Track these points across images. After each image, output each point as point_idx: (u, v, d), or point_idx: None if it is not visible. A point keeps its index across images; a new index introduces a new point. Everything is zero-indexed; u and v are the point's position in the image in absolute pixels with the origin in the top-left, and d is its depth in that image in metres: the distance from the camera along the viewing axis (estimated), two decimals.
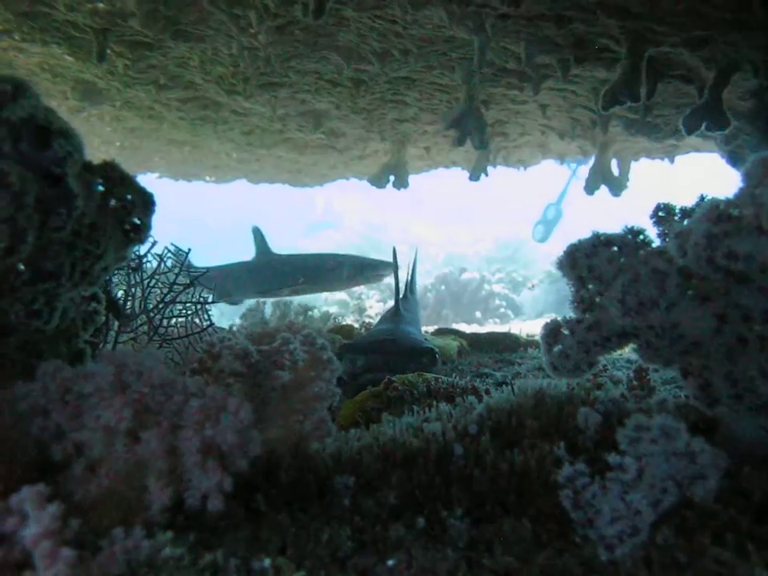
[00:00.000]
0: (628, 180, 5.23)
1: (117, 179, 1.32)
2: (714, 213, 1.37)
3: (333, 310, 8.93)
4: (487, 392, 2.12)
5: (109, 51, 3.51)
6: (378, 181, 5.54)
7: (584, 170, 7.91)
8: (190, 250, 3.73)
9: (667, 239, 1.53)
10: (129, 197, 1.33)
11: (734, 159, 4.16)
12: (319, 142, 5.59)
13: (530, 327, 6.26)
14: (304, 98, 4.46)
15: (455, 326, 6.34)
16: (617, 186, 5.00)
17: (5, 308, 1.27)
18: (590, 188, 4.98)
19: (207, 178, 7.69)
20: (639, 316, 1.37)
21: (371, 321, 5.29)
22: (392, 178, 5.51)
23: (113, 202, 1.31)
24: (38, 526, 0.99)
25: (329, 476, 1.38)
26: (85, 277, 1.31)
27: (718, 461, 1.14)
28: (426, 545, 1.23)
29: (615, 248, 1.44)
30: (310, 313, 4.88)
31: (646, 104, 3.27)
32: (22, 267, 1.24)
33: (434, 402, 1.77)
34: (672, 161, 5.28)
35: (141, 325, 3.48)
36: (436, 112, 4.55)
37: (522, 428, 1.52)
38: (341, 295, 11.00)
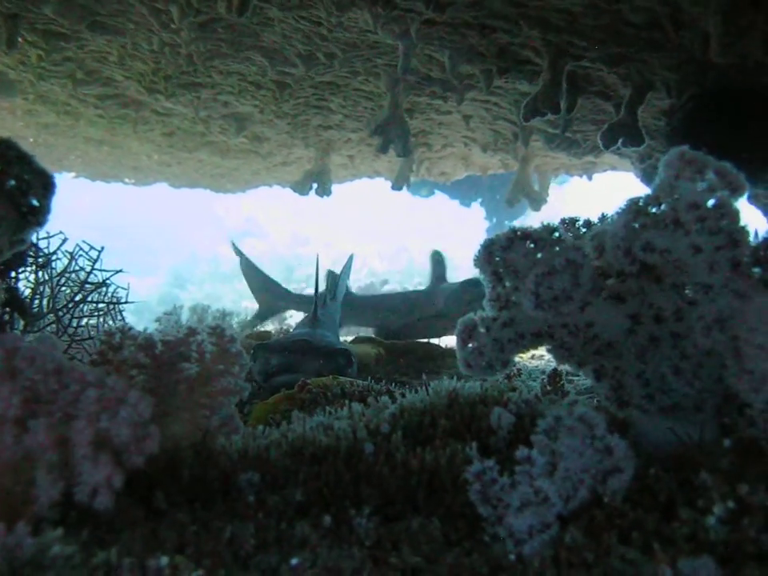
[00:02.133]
0: (547, 195, 5.32)
1: (13, 158, 1.25)
2: (634, 207, 1.38)
3: (241, 318, 8.82)
4: (403, 395, 2.10)
5: (20, 39, 3.38)
6: (301, 187, 5.48)
7: None
8: (102, 248, 3.62)
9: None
10: (26, 177, 1.26)
11: (648, 178, 4.26)
12: (242, 147, 5.52)
13: (448, 340, 6.28)
14: (227, 100, 4.39)
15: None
16: (536, 201, 5.07)
17: None
18: (510, 201, 5.03)
19: (126, 180, 7.50)
20: (552, 309, 1.36)
21: (291, 328, 5.23)
22: (315, 185, 5.46)
23: (9, 183, 1.24)
24: None
25: (234, 473, 1.33)
26: None
27: (632, 455, 1.14)
28: (332, 543, 1.19)
29: (531, 243, 1.43)
30: (227, 318, 4.80)
31: (566, 118, 3.32)
32: None
33: (347, 402, 1.73)
34: (590, 178, 5.39)
35: (49, 324, 3.36)
36: (360, 120, 4.54)
37: (435, 428, 1.50)
38: None
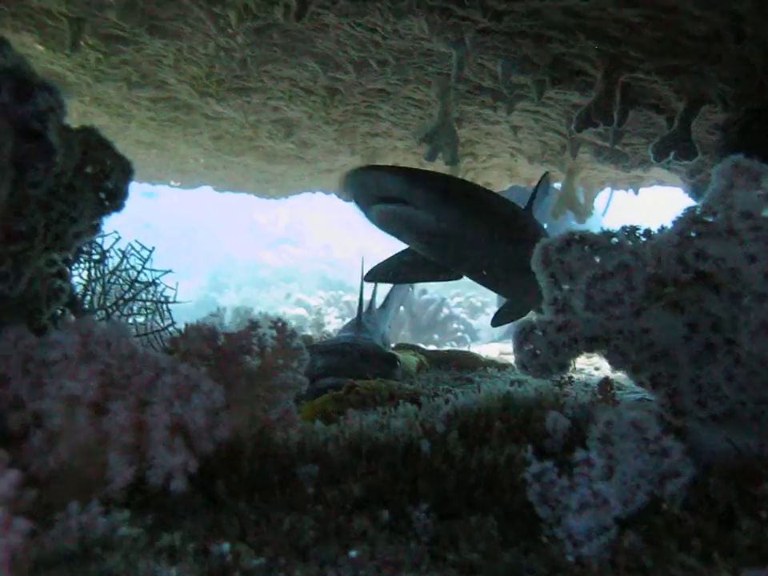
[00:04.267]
0: (593, 207, 5.30)
1: (96, 143, 1.29)
2: (689, 215, 1.39)
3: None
4: (456, 396, 2.11)
5: (82, 43, 3.46)
6: (345, 196, 5.52)
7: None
8: (153, 248, 3.68)
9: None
10: (107, 162, 1.29)
11: (698, 193, 4.23)
12: (288, 152, 5.57)
13: (487, 350, 6.27)
14: (277, 105, 4.44)
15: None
16: (581, 213, 5.06)
17: None
18: (555, 213, 5.03)
19: (172, 183, 7.59)
20: (603, 312, 1.36)
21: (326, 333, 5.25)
22: None
23: (90, 167, 1.28)
24: None
25: (292, 465, 1.35)
26: (57, 240, 1.27)
27: (689, 460, 1.14)
28: (390, 537, 1.21)
29: (588, 247, 1.43)
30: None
31: (616, 130, 3.31)
32: None
33: (398, 403, 1.75)
34: (636, 192, 5.36)
35: (100, 321, 3.42)
36: (408, 128, 4.56)
37: (490, 429, 1.51)
38: (298, 310, 10.96)
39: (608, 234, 1.43)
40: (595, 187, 5.41)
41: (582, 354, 1.48)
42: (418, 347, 4.68)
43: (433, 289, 10.62)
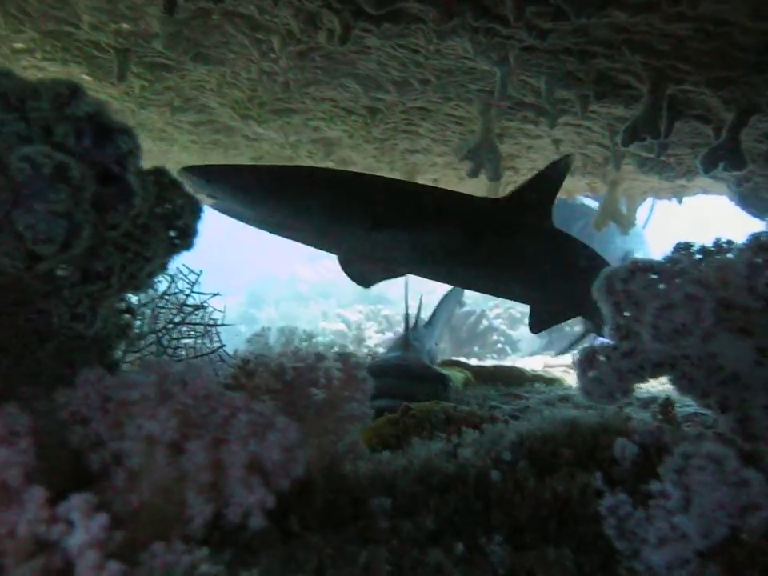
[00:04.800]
0: (635, 218, 5.26)
1: (167, 183, 1.31)
2: (755, 243, 1.38)
3: (329, 339, 8.91)
4: (506, 422, 2.10)
5: (128, 72, 3.52)
6: None
7: None
8: (201, 272, 3.72)
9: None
10: (178, 201, 1.32)
11: (744, 201, 4.19)
12: None
13: (529, 363, 6.23)
14: (317, 125, 4.48)
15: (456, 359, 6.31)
16: (624, 224, 5.03)
17: (48, 309, 1.25)
18: (599, 225, 5.00)
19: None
20: (672, 342, 1.36)
21: (373, 351, 5.26)
22: None
23: (163, 207, 1.30)
24: (85, 535, 0.96)
25: (364, 498, 1.35)
26: (132, 280, 1.29)
27: None
28: (466, 570, 1.21)
29: (653, 275, 1.43)
30: (314, 340, 4.86)
31: (662, 142, 3.29)
32: (70, 267, 1.22)
33: (459, 429, 1.75)
34: (680, 201, 5.32)
35: (149, 344, 3.46)
36: (448, 144, 4.57)
37: (556, 456, 1.51)
38: (338, 325, 11.00)
39: (672, 261, 1.42)
40: (638, 197, 5.38)
41: (648, 380, 1.47)
42: (464, 363, 4.67)
43: (471, 300, 10.56)
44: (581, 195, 8.19)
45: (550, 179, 3.45)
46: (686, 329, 1.31)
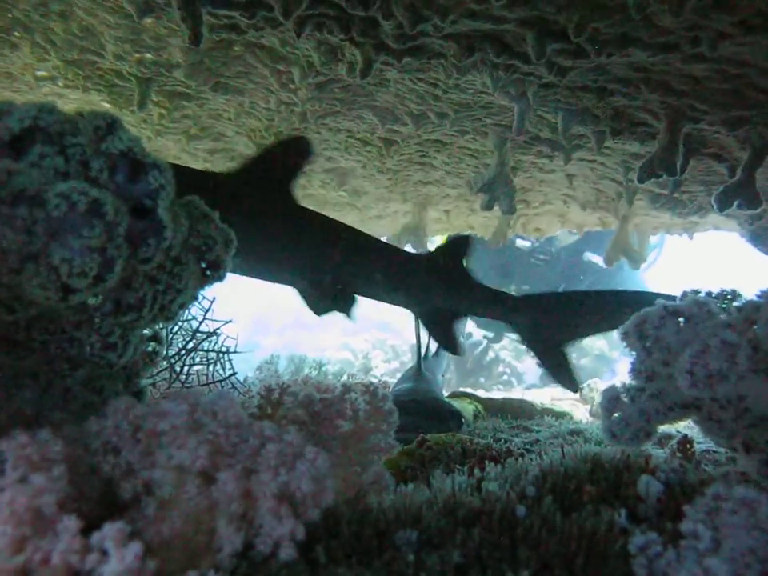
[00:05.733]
0: (647, 253, 5.28)
1: (199, 215, 1.33)
2: None
3: (334, 369, 8.88)
4: (522, 455, 2.10)
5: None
6: (397, 241, 5.57)
7: None
8: (214, 299, 3.75)
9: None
10: (210, 233, 1.33)
11: (757, 240, 4.20)
12: (340, 200, 5.63)
13: (537, 396, 6.22)
14: (332, 156, 4.51)
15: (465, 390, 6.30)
16: (636, 259, 5.04)
17: (81, 338, 1.27)
18: (610, 260, 5.02)
19: None
20: (707, 388, 1.36)
21: (382, 382, 5.25)
22: (411, 239, 5.54)
23: (195, 238, 1.32)
24: (119, 564, 0.97)
25: (388, 530, 1.35)
26: (162, 311, 1.30)
27: None
28: None
29: (683, 319, 1.44)
30: (323, 369, 4.87)
31: (676, 179, 3.31)
32: (103, 298, 1.24)
33: (483, 463, 1.75)
34: (691, 237, 5.33)
35: (161, 371, 3.47)
36: (461, 176, 4.60)
37: (581, 493, 1.51)
38: (344, 354, 10.98)
39: (700, 304, 1.43)
40: (649, 233, 5.40)
41: (674, 421, 1.48)
42: (473, 395, 4.67)
43: (478, 332, 10.56)
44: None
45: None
46: (722, 374, 1.32)
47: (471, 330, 10.97)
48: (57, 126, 1.17)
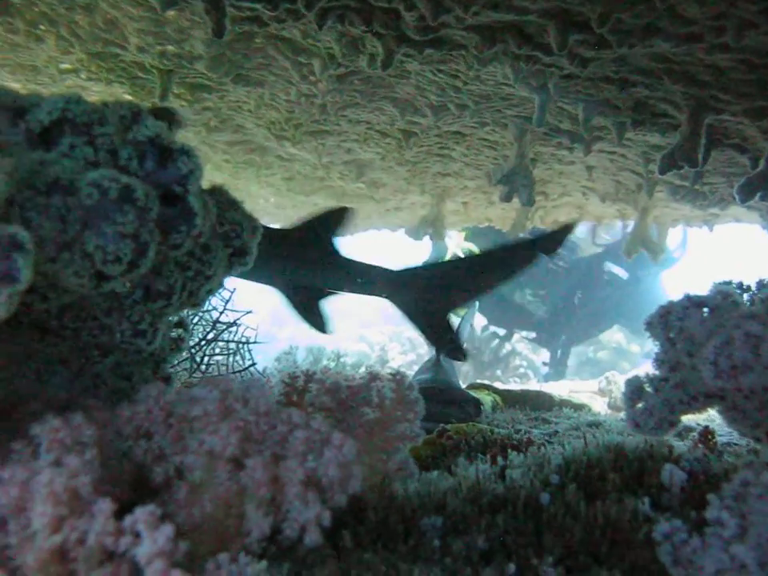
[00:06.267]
0: (665, 246, 5.26)
1: (227, 202, 1.35)
2: None
3: (352, 360, 8.91)
4: (543, 445, 2.11)
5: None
6: (415, 233, 5.57)
7: None
8: (234, 289, 3.77)
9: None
10: (238, 220, 1.35)
11: None
12: (358, 192, 5.64)
13: (555, 388, 6.21)
14: (351, 147, 4.52)
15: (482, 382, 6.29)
16: (655, 251, 5.02)
17: (112, 325, 1.29)
18: (629, 252, 5.00)
19: None
20: (731, 379, 1.37)
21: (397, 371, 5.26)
22: (429, 231, 5.55)
23: (222, 225, 1.34)
24: (152, 545, 0.98)
25: (414, 516, 1.37)
26: (191, 298, 1.32)
27: None
28: None
29: (707, 310, 1.45)
30: (342, 359, 4.88)
31: (697, 171, 3.29)
32: (133, 285, 1.26)
33: (506, 451, 1.76)
34: (711, 229, 5.30)
35: (182, 360, 3.50)
36: (480, 168, 4.59)
37: (604, 481, 1.52)
38: (361, 346, 11.00)
39: (725, 295, 1.43)
40: (668, 225, 5.38)
41: (698, 411, 1.48)
42: (491, 386, 4.67)
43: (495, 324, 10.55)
44: None
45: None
46: (746, 365, 1.32)
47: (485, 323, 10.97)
48: (84, 116, 1.19)
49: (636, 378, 1.55)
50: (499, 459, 1.68)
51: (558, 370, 9.54)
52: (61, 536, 0.99)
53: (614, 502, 1.39)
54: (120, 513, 1.06)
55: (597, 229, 8.07)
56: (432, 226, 5.53)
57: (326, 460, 1.16)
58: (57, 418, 1.13)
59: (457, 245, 8.64)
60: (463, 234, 8.54)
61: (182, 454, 1.17)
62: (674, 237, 8.76)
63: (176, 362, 3.43)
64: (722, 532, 1.15)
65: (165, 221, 1.19)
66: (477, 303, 9.42)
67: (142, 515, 1.02)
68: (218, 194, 1.35)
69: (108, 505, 1.03)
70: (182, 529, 1.14)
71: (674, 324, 1.45)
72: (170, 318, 1.51)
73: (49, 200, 1.08)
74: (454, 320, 3.87)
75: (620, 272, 8.91)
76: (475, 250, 8.34)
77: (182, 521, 1.14)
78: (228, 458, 1.16)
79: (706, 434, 1.98)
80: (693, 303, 1.45)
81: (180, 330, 1.58)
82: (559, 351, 9.65)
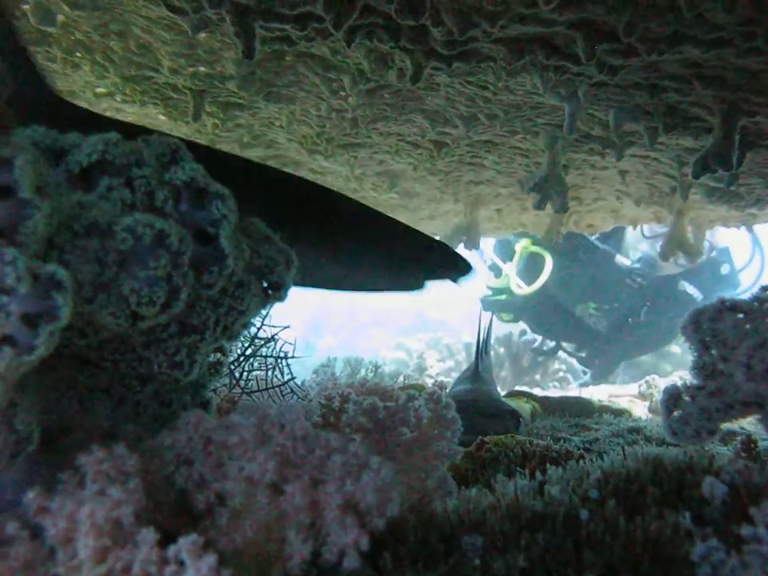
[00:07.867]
0: (703, 248, 5.20)
1: (261, 237, 1.37)
2: None
3: (390, 369, 8.91)
4: (582, 456, 2.11)
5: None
6: (450, 241, 5.58)
7: None
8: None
9: None
10: (272, 255, 1.38)
11: None
12: (392, 202, 5.66)
13: (594, 393, 6.17)
14: (383, 159, 4.55)
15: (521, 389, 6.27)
16: (693, 254, 4.97)
17: (149, 358, 1.32)
18: (665, 255, 4.96)
19: None
20: (765, 382, 1.36)
21: (439, 382, 5.26)
22: (464, 239, 5.55)
23: (257, 259, 1.36)
24: (196, 574, 1.00)
25: (453, 535, 1.37)
26: (225, 332, 1.35)
27: None
28: None
29: (741, 314, 1.44)
30: (379, 370, 4.88)
31: (732, 173, 3.26)
32: (168, 320, 1.28)
33: (544, 465, 1.76)
34: (749, 230, 5.24)
35: (222, 377, 3.53)
36: (512, 175, 4.59)
37: (644, 495, 1.51)
38: (398, 354, 11.01)
39: (760, 299, 1.42)
40: (705, 226, 5.32)
41: (735, 419, 1.47)
42: (529, 393, 4.66)
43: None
44: None
45: None
46: None
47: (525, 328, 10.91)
48: (123, 158, 1.22)
49: (673, 386, 1.54)
50: (538, 473, 1.68)
51: (600, 376, 9.47)
52: (106, 566, 1.02)
53: (654, 517, 1.39)
54: (164, 539, 1.09)
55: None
56: (466, 234, 5.53)
57: (364, 484, 1.18)
58: (101, 448, 1.15)
59: (523, 246, 8.71)
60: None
61: (222, 480, 1.19)
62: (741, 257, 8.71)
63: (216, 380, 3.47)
64: (760, 549, 1.14)
65: (198, 259, 1.22)
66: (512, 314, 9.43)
67: (185, 544, 1.05)
68: (251, 228, 1.38)
69: (152, 534, 1.06)
70: (224, 554, 1.16)
71: (706, 327, 1.44)
72: (207, 350, 1.54)
73: (87, 243, 1.12)
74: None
75: (694, 292, 8.82)
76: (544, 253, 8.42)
77: (223, 546, 1.16)
78: (267, 483, 1.17)
79: (748, 442, 1.96)
80: (726, 307, 1.44)
81: (219, 355, 1.61)
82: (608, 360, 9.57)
